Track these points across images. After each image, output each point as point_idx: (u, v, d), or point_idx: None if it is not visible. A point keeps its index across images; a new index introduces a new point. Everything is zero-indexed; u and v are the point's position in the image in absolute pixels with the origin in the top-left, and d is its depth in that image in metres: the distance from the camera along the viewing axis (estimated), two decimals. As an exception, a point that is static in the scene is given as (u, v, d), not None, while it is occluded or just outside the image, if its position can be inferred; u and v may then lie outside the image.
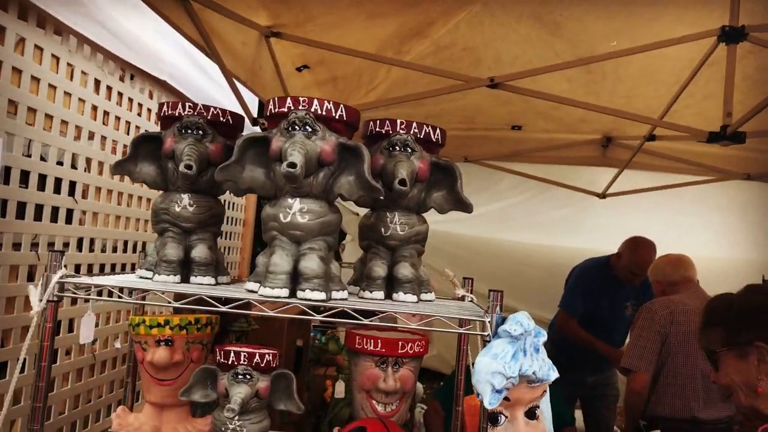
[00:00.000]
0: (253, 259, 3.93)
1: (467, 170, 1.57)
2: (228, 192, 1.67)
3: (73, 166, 2.18)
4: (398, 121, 1.54)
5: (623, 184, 4.46)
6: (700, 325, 1.94)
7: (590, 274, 3.98)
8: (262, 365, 1.54)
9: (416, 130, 1.54)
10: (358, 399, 1.75)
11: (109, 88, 2.38)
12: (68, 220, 2.16)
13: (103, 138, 2.36)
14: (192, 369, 1.67)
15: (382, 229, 1.56)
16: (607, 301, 3.89)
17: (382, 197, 1.41)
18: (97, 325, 2.37)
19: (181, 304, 1.39)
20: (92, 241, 2.35)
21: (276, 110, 1.41)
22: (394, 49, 3.00)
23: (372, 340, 1.68)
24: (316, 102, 1.39)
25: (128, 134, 2.51)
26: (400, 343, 1.68)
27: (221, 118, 1.60)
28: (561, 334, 3.79)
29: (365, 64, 3.13)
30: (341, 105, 1.41)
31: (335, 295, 1.42)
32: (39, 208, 2.01)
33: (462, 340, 1.90)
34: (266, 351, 1.55)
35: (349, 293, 1.51)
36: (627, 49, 2.58)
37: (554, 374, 1.30)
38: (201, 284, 1.51)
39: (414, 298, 1.51)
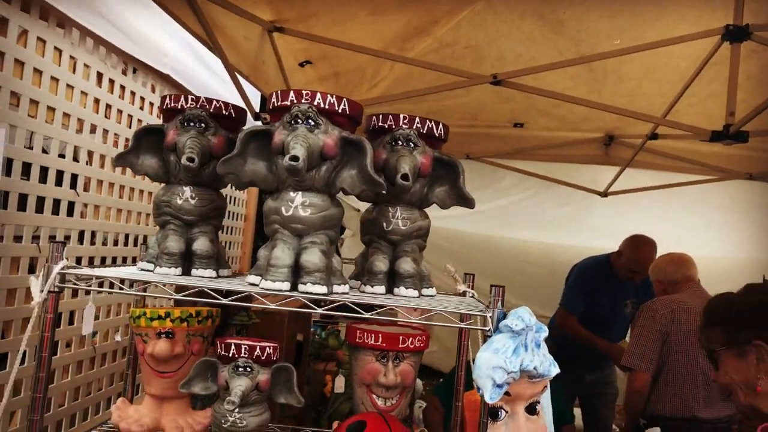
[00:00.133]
0: (254, 254, 3.94)
1: (469, 167, 1.57)
2: (230, 186, 1.67)
3: (75, 159, 2.18)
4: (401, 116, 1.54)
5: (625, 183, 4.46)
6: (700, 325, 1.94)
7: (590, 272, 3.98)
8: (263, 358, 1.54)
9: (419, 125, 1.54)
10: (358, 393, 1.75)
11: (111, 81, 2.37)
12: (70, 212, 2.16)
13: (105, 131, 2.36)
14: (192, 361, 1.66)
15: (384, 224, 1.56)
16: (607, 300, 3.89)
17: (384, 192, 1.41)
18: (97, 317, 2.37)
19: (183, 296, 1.39)
20: (93, 234, 2.34)
21: (279, 103, 1.41)
22: (396, 46, 2.99)
23: (373, 335, 1.68)
24: (319, 95, 1.38)
25: (130, 128, 2.51)
26: (400, 337, 1.68)
27: (224, 111, 1.60)
28: (560, 332, 3.79)
29: (368, 61, 3.13)
30: (344, 99, 1.41)
31: (336, 288, 1.42)
32: (41, 201, 2.00)
33: (462, 335, 1.90)
34: (267, 344, 1.55)
35: (351, 287, 1.51)
36: (630, 48, 2.58)
37: (555, 370, 1.31)
38: (202, 277, 1.51)
39: (415, 293, 1.51)
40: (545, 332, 1.31)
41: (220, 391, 1.55)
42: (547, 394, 1.40)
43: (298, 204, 1.38)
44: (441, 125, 1.57)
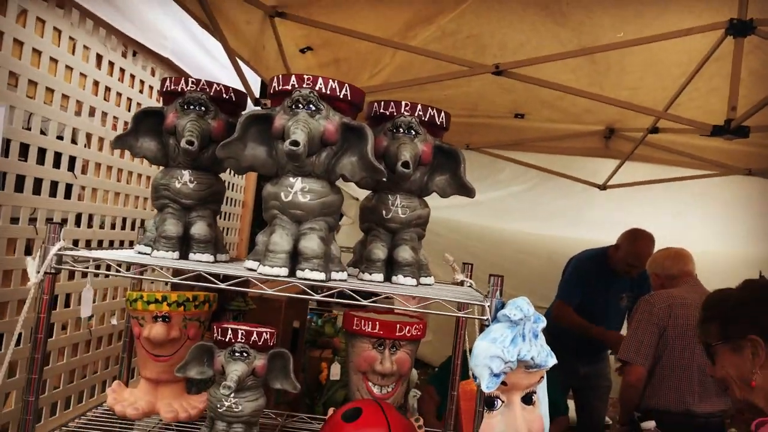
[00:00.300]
0: (252, 240, 3.94)
1: (469, 158, 1.56)
2: (228, 172, 1.66)
3: (73, 141, 2.17)
4: (403, 103, 1.53)
5: (624, 176, 4.45)
6: (698, 319, 1.95)
7: (587, 264, 3.99)
8: (260, 343, 1.54)
9: (421, 113, 1.53)
10: (354, 381, 1.76)
11: (111, 64, 2.35)
12: (67, 195, 2.15)
13: (104, 114, 2.34)
14: (189, 346, 1.66)
15: (384, 212, 1.55)
16: (603, 292, 3.90)
17: (384, 179, 1.40)
18: (94, 300, 2.36)
19: (180, 279, 1.38)
20: (90, 217, 2.33)
21: (280, 88, 1.40)
22: (399, 34, 2.98)
23: (370, 322, 1.68)
24: (320, 80, 1.37)
25: (129, 111, 2.49)
26: (397, 325, 1.68)
27: (224, 95, 1.58)
28: (556, 323, 3.80)
29: (369, 48, 3.11)
30: (346, 84, 1.40)
31: (335, 275, 1.42)
32: (38, 182, 1.99)
33: (460, 324, 1.90)
34: (264, 329, 1.55)
35: (349, 275, 1.50)
36: (633, 40, 2.57)
37: (552, 360, 1.31)
38: (200, 261, 1.50)
39: (413, 281, 1.51)
40: (543, 323, 1.31)
41: (216, 375, 1.55)
42: (544, 384, 1.40)
43: (298, 190, 1.37)
44: (443, 113, 1.56)
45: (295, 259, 1.37)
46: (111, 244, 2.48)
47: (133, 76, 2.54)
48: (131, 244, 2.55)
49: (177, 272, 1.44)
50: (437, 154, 1.54)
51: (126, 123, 2.44)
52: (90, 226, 2.34)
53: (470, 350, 1.27)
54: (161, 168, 1.60)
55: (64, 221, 2.15)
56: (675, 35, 2.44)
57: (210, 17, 2.50)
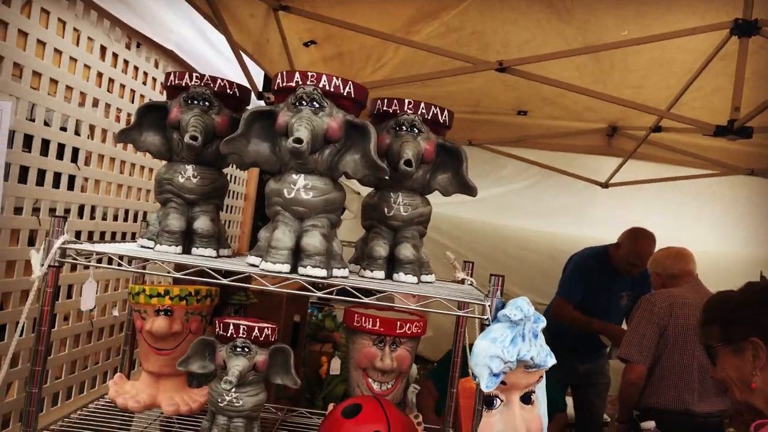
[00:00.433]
0: (253, 234, 3.95)
1: (471, 154, 1.56)
2: (231, 165, 1.66)
3: (77, 133, 2.17)
4: (406, 101, 1.53)
5: (626, 175, 4.46)
6: (699, 321, 1.96)
7: (588, 262, 3.99)
8: (261, 339, 1.54)
9: (424, 111, 1.53)
10: (354, 376, 1.76)
11: (115, 56, 2.35)
12: (70, 186, 2.16)
13: (108, 105, 2.34)
14: (190, 340, 1.67)
15: (386, 209, 1.56)
16: (603, 291, 3.91)
17: (387, 177, 1.41)
18: (96, 292, 2.37)
19: (182, 274, 1.39)
20: (93, 209, 2.34)
21: (284, 84, 1.40)
22: (402, 29, 2.98)
23: (370, 319, 1.69)
24: (324, 78, 1.37)
25: (133, 103, 2.49)
26: (398, 323, 1.69)
27: (228, 90, 1.59)
28: (555, 321, 3.81)
29: (373, 42, 3.11)
30: (350, 82, 1.40)
31: (336, 272, 1.42)
32: (41, 173, 2.00)
33: (460, 322, 1.91)
34: (265, 325, 1.55)
35: (350, 271, 1.51)
36: (637, 39, 2.57)
37: (551, 360, 1.31)
38: (202, 256, 1.51)
39: (414, 279, 1.51)
40: (543, 323, 1.31)
41: (218, 370, 1.56)
42: (543, 384, 1.41)
43: (301, 187, 1.37)
44: (446, 112, 1.56)
45: (297, 255, 1.38)
46: (113, 236, 2.48)
47: (136, 68, 2.54)
48: (133, 236, 2.56)
49: (180, 267, 1.44)
50: (440, 152, 1.54)
51: (129, 115, 2.44)
52: (93, 217, 2.35)
53: (470, 347, 1.28)
54: (165, 162, 1.60)
55: (67, 212, 2.16)
56: (679, 34, 2.44)
57: (214, 10, 2.50)
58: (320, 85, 1.37)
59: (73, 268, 2.19)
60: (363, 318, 1.70)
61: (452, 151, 1.55)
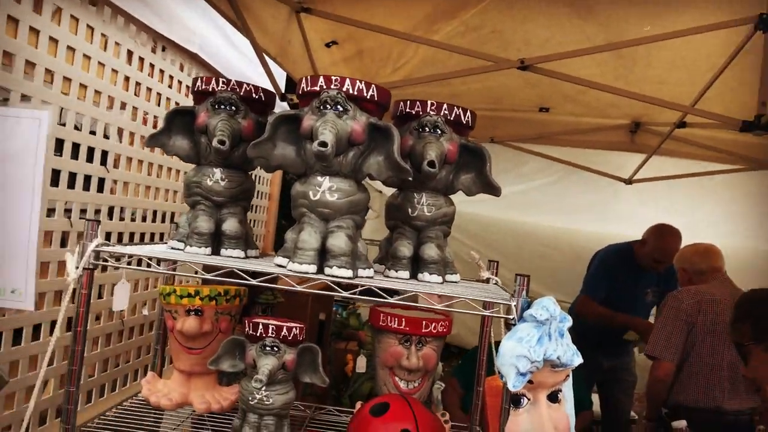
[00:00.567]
0: (278, 233, 3.98)
1: (493, 151, 1.57)
2: (258, 167, 1.69)
3: (106, 136, 2.22)
4: (428, 102, 1.54)
5: (651, 171, 4.41)
6: (731, 319, 1.95)
7: (612, 259, 3.97)
8: (290, 338, 1.57)
9: (446, 112, 1.54)
10: (380, 375, 1.78)
11: (141, 60, 2.40)
12: (100, 188, 2.20)
13: (135, 109, 2.39)
14: (220, 339, 1.71)
15: (409, 210, 1.57)
16: (628, 287, 3.88)
17: (410, 178, 1.42)
18: (128, 293, 2.42)
19: (212, 276, 1.42)
20: (123, 210, 2.39)
21: (308, 89, 1.42)
22: (422, 29, 2.98)
23: (396, 318, 1.71)
24: (348, 81, 1.39)
25: (159, 106, 2.54)
26: (423, 322, 1.70)
27: (254, 95, 1.61)
28: (580, 318, 3.79)
29: (393, 42, 3.12)
30: (373, 85, 1.42)
31: (361, 273, 1.45)
32: (72, 176, 2.04)
33: (485, 321, 1.92)
34: (293, 324, 1.58)
35: (375, 272, 1.53)
36: (660, 35, 2.54)
37: (578, 359, 1.32)
38: (231, 257, 1.54)
39: (439, 278, 1.53)
40: (569, 322, 1.32)
41: (248, 369, 1.59)
42: (569, 382, 1.41)
43: (326, 189, 1.40)
44: (468, 112, 1.57)
45: (323, 256, 1.40)
46: (142, 237, 2.53)
47: (162, 71, 2.58)
48: (162, 237, 2.60)
49: (209, 268, 1.47)
50: (463, 152, 1.55)
51: (156, 118, 2.49)
52: (122, 219, 2.39)
53: (495, 345, 1.29)
54: (193, 166, 1.64)
55: (97, 214, 2.21)
56: (703, 30, 2.41)
57: (237, 13, 2.53)
58: (344, 89, 1.39)
59: (104, 268, 2.24)
60: (389, 317, 1.72)
61: (475, 151, 1.56)
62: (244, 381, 1.59)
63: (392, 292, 1.43)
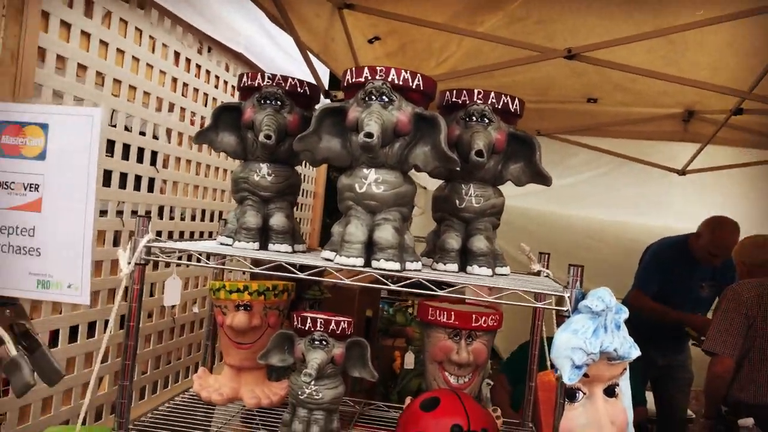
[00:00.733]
0: (323, 231, 4.00)
1: (540, 144, 1.53)
2: (303, 164, 1.69)
3: (155, 137, 2.26)
4: (475, 91, 1.51)
5: (705, 161, 4.27)
6: None
7: (666, 252, 3.85)
8: (338, 332, 1.56)
9: (494, 100, 1.51)
10: (430, 370, 1.76)
11: (188, 61, 2.43)
12: (150, 188, 2.24)
13: (183, 109, 2.43)
14: (269, 333, 1.71)
15: (457, 201, 1.55)
16: (683, 281, 3.76)
17: (458, 168, 1.40)
18: (180, 289, 2.46)
19: (260, 270, 1.42)
20: (172, 209, 2.43)
21: (353, 80, 1.41)
22: (466, 21, 2.94)
23: (445, 312, 1.68)
24: (393, 72, 1.37)
25: (206, 106, 2.57)
26: (473, 316, 1.67)
27: (299, 89, 1.61)
28: (633, 313, 3.69)
29: (436, 36, 3.09)
30: (418, 74, 1.40)
31: (409, 265, 1.43)
32: (123, 177, 2.09)
33: (537, 315, 1.88)
34: (342, 318, 1.57)
35: (423, 265, 1.51)
36: (714, 18, 2.44)
37: (636, 352, 1.27)
38: (279, 251, 1.54)
39: (489, 271, 1.50)
40: (625, 313, 1.28)
41: (297, 363, 1.59)
42: (626, 376, 1.37)
43: (372, 181, 1.38)
44: (516, 100, 1.54)
45: (370, 249, 1.38)
46: (191, 235, 2.57)
47: (208, 72, 2.62)
48: (211, 235, 2.64)
49: (257, 262, 1.48)
50: (511, 141, 1.52)
51: (203, 118, 2.52)
52: (172, 218, 2.43)
53: (547, 341, 1.26)
54: (240, 162, 1.65)
55: (148, 213, 2.25)
56: (760, 11, 2.31)
57: (281, 12, 2.54)
58: (389, 79, 1.37)
59: (155, 266, 2.28)
60: (438, 311, 1.70)
61: (524, 140, 1.52)
62: (293, 375, 1.59)
63: (441, 285, 1.40)
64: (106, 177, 1.99)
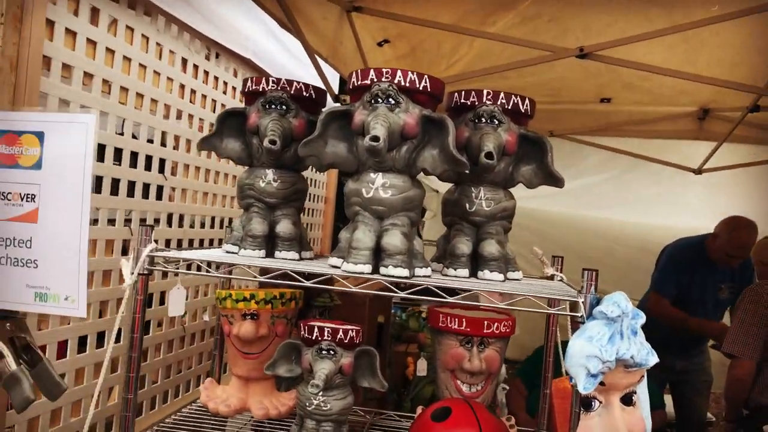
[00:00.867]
0: (335, 236, 3.97)
1: (553, 145, 1.50)
2: (310, 168, 1.66)
3: (163, 144, 2.24)
4: (485, 92, 1.48)
5: (721, 159, 4.19)
6: None
7: (683, 253, 3.78)
8: (346, 341, 1.53)
9: (504, 101, 1.48)
10: (442, 378, 1.72)
11: (195, 67, 2.42)
12: (158, 196, 2.23)
13: (191, 116, 2.41)
14: (277, 343, 1.68)
15: (467, 205, 1.51)
16: (700, 284, 3.68)
17: (467, 171, 1.36)
18: (186, 298, 2.44)
19: (266, 278, 1.40)
20: (182, 217, 2.41)
21: (359, 83, 1.38)
22: (476, 22, 2.91)
23: (456, 319, 1.64)
24: (399, 73, 1.35)
25: (214, 112, 2.55)
26: (485, 322, 1.63)
27: (304, 93, 1.59)
28: (651, 316, 3.62)
29: (447, 38, 3.06)
30: (425, 76, 1.37)
31: (418, 272, 1.39)
32: (131, 185, 2.07)
33: (551, 321, 1.84)
34: (350, 327, 1.54)
35: (433, 270, 1.47)
36: (729, 14, 2.39)
37: (653, 359, 1.23)
38: (285, 259, 1.51)
39: (500, 276, 1.46)
40: (642, 319, 1.23)
41: (305, 373, 1.56)
42: (644, 384, 1.32)
43: (379, 185, 1.35)
44: (527, 100, 1.50)
45: (378, 255, 1.35)
46: (201, 242, 2.55)
47: (216, 78, 2.60)
48: (220, 243, 2.62)
49: (264, 270, 1.45)
50: (522, 143, 1.49)
51: (212, 124, 2.51)
52: (181, 225, 2.42)
53: (562, 345, 1.22)
54: (246, 168, 1.62)
55: (157, 221, 2.23)
56: (775, 6, 2.26)
57: (288, 15, 2.52)
58: (395, 81, 1.34)
59: (165, 275, 2.26)
60: (449, 318, 1.66)
61: (535, 141, 1.49)
62: (301, 386, 1.56)
63: (451, 292, 1.37)
64: (114, 185, 1.98)
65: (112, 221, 2.01)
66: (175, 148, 2.32)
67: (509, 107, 1.48)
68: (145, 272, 1.37)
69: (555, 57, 2.75)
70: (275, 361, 1.59)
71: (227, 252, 1.57)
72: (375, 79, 1.35)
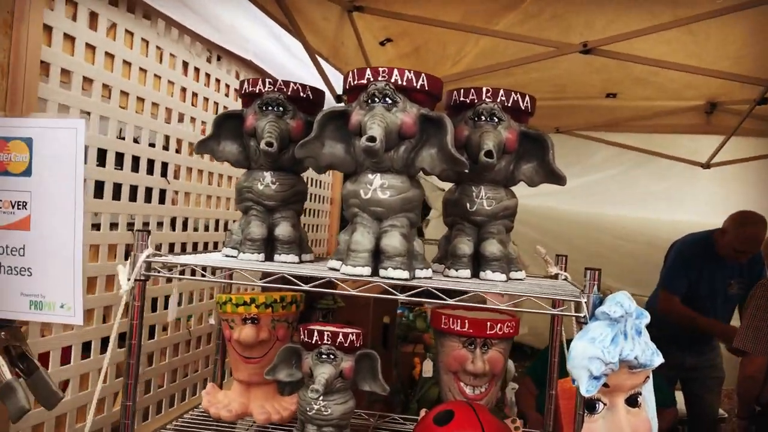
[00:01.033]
0: (340, 237, 3.95)
1: (559, 142, 1.48)
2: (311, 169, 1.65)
3: (165, 148, 2.23)
4: (484, 89, 1.46)
5: (729, 153, 4.15)
6: None
7: (691, 249, 3.74)
8: (346, 345, 1.52)
9: (503, 98, 1.46)
10: (445, 380, 1.71)
11: (196, 70, 2.41)
12: (161, 200, 2.22)
13: (192, 119, 2.40)
14: (278, 347, 1.67)
15: (468, 205, 1.49)
16: (709, 279, 3.64)
17: (467, 170, 1.34)
18: (191, 301, 2.43)
19: (264, 283, 1.38)
20: (186, 221, 2.40)
21: (355, 82, 1.37)
22: (479, 21, 2.89)
23: (459, 320, 1.63)
24: (396, 72, 1.33)
25: (216, 114, 2.55)
26: (488, 323, 1.61)
27: (301, 94, 1.57)
28: (659, 315, 3.59)
29: (450, 36, 3.04)
30: (422, 74, 1.35)
31: (419, 273, 1.38)
32: (133, 189, 2.06)
33: (555, 321, 1.81)
34: (350, 330, 1.53)
35: (434, 271, 1.45)
36: (734, 6, 2.36)
37: (658, 359, 1.20)
38: (284, 262, 1.50)
39: (503, 276, 1.44)
40: (646, 318, 1.21)
41: (305, 378, 1.54)
42: (650, 384, 1.30)
43: (377, 186, 1.34)
44: (527, 97, 1.48)
45: (377, 257, 1.34)
46: (206, 246, 2.54)
47: (218, 81, 2.59)
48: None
49: (264, 274, 1.44)
50: (523, 140, 1.47)
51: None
52: (185, 229, 2.41)
53: (568, 344, 1.20)
54: (244, 171, 1.61)
55: (160, 225, 2.22)
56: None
57: (288, 16, 2.51)
58: (392, 80, 1.33)
59: (170, 279, 2.25)
60: (451, 319, 1.64)
61: (536, 138, 1.47)
62: (301, 391, 1.55)
63: (453, 293, 1.35)
64: (116, 190, 1.97)
65: (114, 225, 2.00)
66: (178, 151, 2.31)
67: (509, 105, 1.46)
68: (142, 278, 1.36)
69: (558, 53, 2.73)
70: (275, 366, 1.58)
71: (226, 256, 1.56)
72: (371, 79, 1.34)
